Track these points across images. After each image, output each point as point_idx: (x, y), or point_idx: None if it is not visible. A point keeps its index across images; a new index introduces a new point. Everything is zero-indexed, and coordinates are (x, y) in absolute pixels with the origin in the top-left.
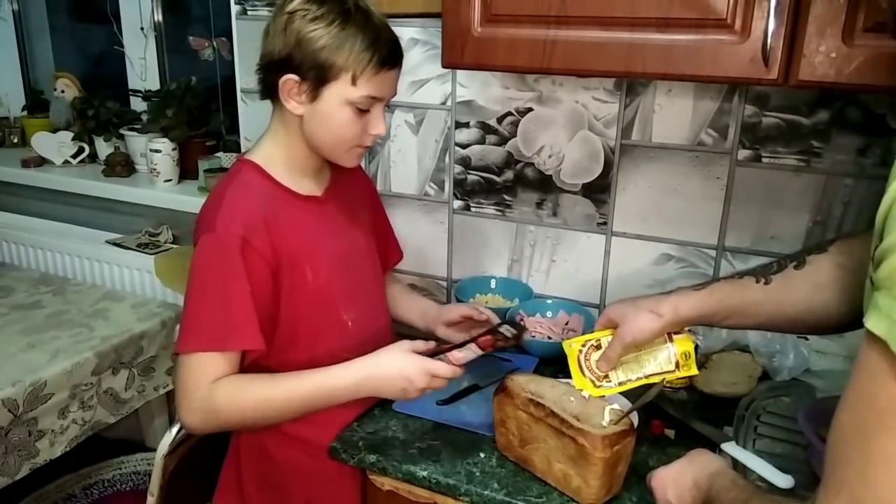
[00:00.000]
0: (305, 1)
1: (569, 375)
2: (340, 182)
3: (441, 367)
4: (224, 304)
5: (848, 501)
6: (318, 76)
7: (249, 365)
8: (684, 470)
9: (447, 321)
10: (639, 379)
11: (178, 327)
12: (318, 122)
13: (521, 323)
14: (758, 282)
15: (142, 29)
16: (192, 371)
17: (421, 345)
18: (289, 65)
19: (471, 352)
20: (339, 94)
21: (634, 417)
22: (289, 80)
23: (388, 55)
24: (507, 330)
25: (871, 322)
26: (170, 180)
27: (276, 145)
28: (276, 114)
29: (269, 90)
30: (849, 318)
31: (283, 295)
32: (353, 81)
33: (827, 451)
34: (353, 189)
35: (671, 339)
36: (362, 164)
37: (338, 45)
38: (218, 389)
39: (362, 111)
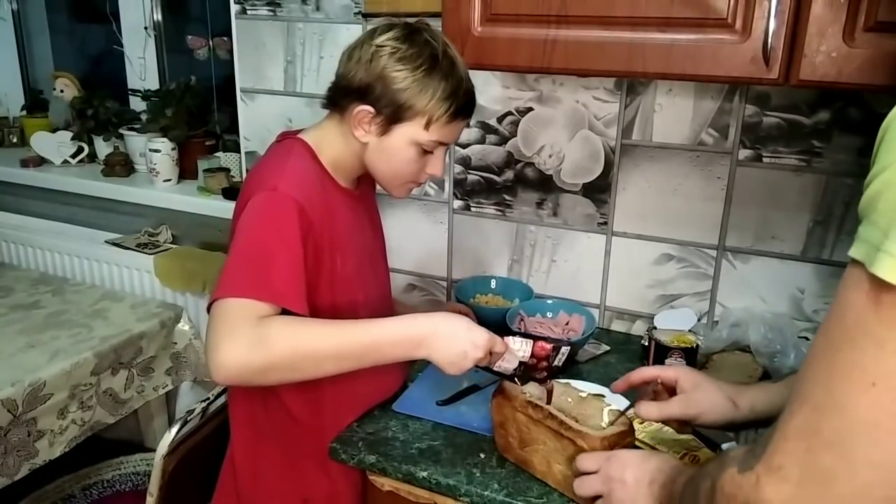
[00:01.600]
0: (396, 39)
1: (568, 375)
2: (366, 181)
3: (500, 343)
4: (280, 259)
5: (811, 410)
6: (393, 114)
7: None
8: (650, 456)
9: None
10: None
11: (178, 326)
12: (381, 155)
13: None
14: None
15: (146, 29)
16: (235, 312)
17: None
18: (366, 96)
19: (520, 349)
20: (410, 134)
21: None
22: (363, 110)
23: (465, 106)
24: (561, 353)
25: (853, 249)
26: (169, 180)
27: (328, 145)
28: (336, 124)
29: (337, 108)
30: None
31: (320, 278)
32: (427, 126)
33: (798, 374)
34: (371, 188)
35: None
36: None
37: (420, 90)
38: (271, 322)
39: (426, 152)
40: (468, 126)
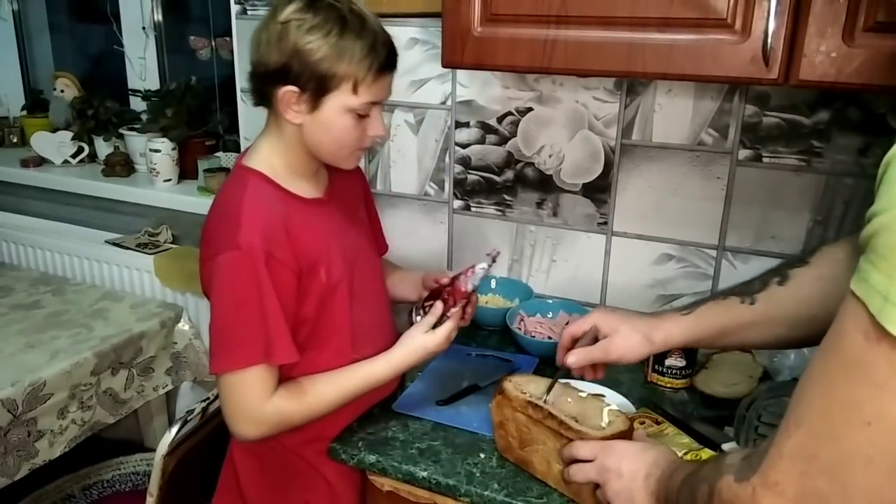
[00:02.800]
0: (299, 10)
1: (568, 375)
2: (338, 182)
3: (448, 327)
4: (261, 319)
5: (807, 435)
6: (318, 87)
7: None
8: (647, 449)
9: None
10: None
11: (178, 326)
12: (319, 131)
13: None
14: (742, 302)
15: (143, 28)
16: (250, 385)
17: (430, 319)
18: (286, 76)
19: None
20: (340, 102)
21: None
22: (287, 91)
23: (387, 59)
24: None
25: (853, 282)
26: (169, 180)
27: (274, 153)
28: (272, 120)
29: (263, 99)
30: None
31: (307, 300)
32: (355, 90)
33: (795, 390)
34: (349, 187)
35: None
36: (361, 163)
37: (338, 56)
38: (283, 405)
39: (362, 116)
40: (469, 127)
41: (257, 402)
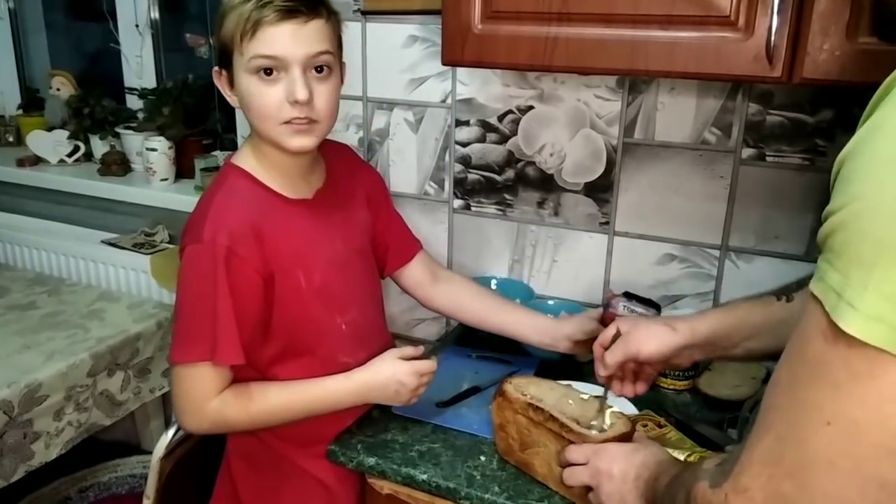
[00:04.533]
0: None
1: (569, 376)
2: (337, 183)
3: (425, 364)
4: (210, 317)
5: (773, 440)
6: (224, 57)
7: (248, 371)
8: (637, 450)
9: (570, 338)
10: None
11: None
12: (244, 107)
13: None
14: (779, 299)
15: (137, 26)
16: (195, 381)
17: (409, 350)
18: (217, 59)
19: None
20: (240, 66)
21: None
22: (215, 72)
23: (275, 7)
24: None
25: (812, 283)
26: (166, 179)
27: (255, 149)
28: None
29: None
30: None
31: (276, 302)
32: (241, 49)
33: (764, 395)
34: (351, 189)
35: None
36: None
37: (228, 16)
38: (228, 405)
39: (269, 78)
40: (469, 126)
41: (201, 398)
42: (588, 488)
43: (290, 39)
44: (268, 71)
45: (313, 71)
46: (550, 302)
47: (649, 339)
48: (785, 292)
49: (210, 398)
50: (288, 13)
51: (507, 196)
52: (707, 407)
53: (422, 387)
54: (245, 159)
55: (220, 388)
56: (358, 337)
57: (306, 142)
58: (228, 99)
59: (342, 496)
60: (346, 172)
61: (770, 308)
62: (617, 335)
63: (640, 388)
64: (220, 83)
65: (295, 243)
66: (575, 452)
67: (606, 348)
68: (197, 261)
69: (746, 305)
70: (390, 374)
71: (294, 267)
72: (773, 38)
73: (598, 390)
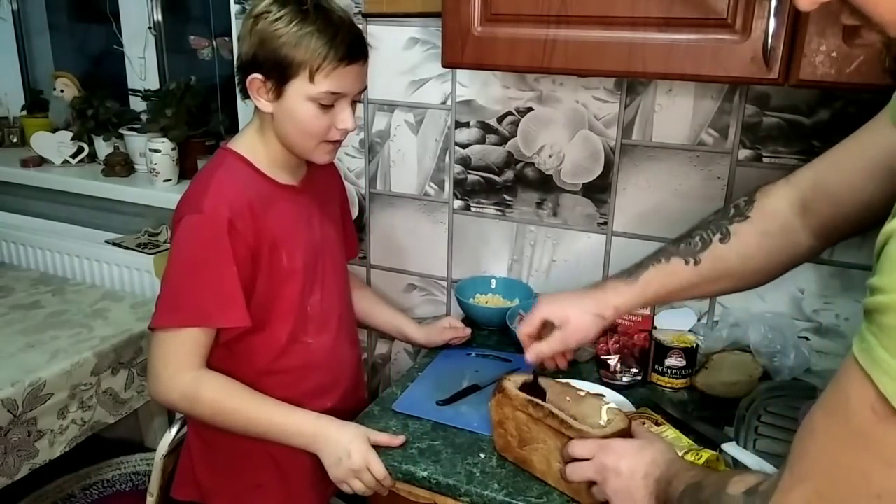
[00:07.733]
0: (269, 3)
1: (568, 376)
2: (315, 176)
3: (377, 466)
4: (214, 281)
5: (814, 493)
6: (279, 74)
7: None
8: (645, 447)
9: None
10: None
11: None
12: (284, 119)
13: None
14: (687, 264)
15: (150, 28)
16: (177, 346)
17: (383, 438)
18: (254, 64)
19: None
20: (300, 90)
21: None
22: (255, 79)
23: (347, 51)
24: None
25: (857, 347)
26: (169, 180)
27: (256, 140)
28: (256, 113)
29: (244, 91)
30: (777, 275)
31: (259, 277)
32: (311, 78)
33: (797, 438)
34: (325, 183)
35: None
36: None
37: (295, 43)
38: (205, 383)
39: (326, 106)
40: (469, 127)
41: (177, 365)
42: (589, 484)
43: (354, 79)
44: (327, 104)
45: (354, 101)
46: None
47: (587, 333)
48: (690, 252)
49: (186, 367)
50: (358, 56)
51: (506, 196)
52: (704, 405)
53: (361, 478)
54: (244, 146)
55: (197, 358)
56: (321, 319)
57: (333, 157)
58: (259, 104)
59: (293, 472)
60: (320, 169)
61: (682, 275)
62: (546, 324)
63: (564, 363)
64: (257, 90)
65: (282, 224)
66: (580, 448)
67: (539, 337)
68: (197, 229)
69: (660, 275)
70: (347, 442)
71: (279, 246)
72: (769, 40)
73: (596, 387)
